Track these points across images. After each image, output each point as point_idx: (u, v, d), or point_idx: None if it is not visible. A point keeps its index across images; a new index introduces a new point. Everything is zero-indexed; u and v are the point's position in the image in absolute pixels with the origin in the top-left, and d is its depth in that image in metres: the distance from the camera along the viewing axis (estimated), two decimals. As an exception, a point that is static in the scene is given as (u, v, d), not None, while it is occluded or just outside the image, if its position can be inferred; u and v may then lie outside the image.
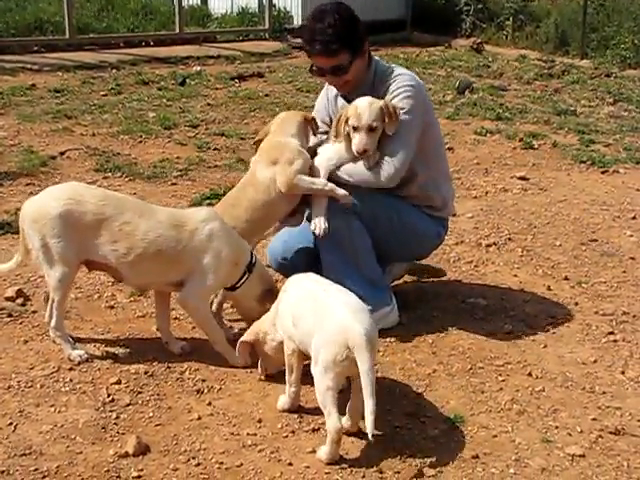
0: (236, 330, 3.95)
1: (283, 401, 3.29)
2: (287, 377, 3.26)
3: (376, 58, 4.10)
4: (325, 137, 4.07)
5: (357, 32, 3.93)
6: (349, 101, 3.97)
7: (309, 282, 3.34)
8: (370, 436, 2.80)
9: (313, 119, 4.03)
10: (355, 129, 3.77)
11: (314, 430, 3.18)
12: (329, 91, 4.22)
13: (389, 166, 3.81)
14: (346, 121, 3.79)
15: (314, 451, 3.03)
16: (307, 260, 4.08)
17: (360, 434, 3.12)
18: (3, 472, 2.88)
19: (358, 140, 3.76)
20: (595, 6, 13.55)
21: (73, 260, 3.57)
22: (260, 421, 3.23)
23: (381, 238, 3.96)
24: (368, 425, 2.80)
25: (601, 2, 13.72)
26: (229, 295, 3.88)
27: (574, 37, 13.24)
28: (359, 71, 3.96)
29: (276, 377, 3.50)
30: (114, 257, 3.54)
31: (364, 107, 3.76)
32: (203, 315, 3.69)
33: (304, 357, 3.20)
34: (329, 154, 3.90)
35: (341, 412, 2.99)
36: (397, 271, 4.47)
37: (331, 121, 4.15)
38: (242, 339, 3.50)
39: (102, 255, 3.55)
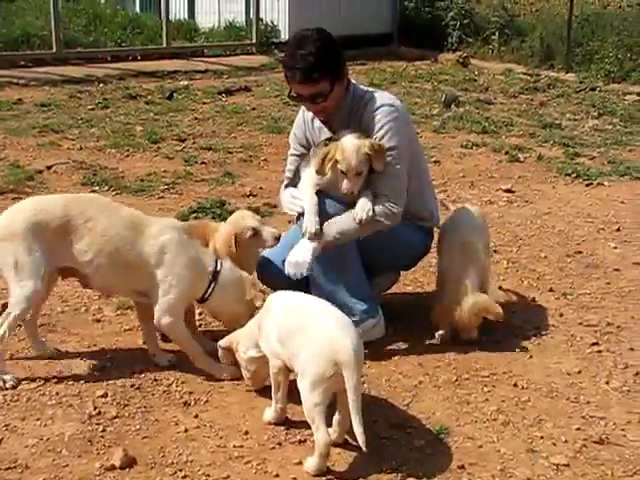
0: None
1: (270, 414, 3.30)
2: (273, 394, 3.25)
3: (353, 81, 4.09)
4: (302, 162, 4.11)
5: (338, 59, 3.91)
6: (326, 124, 4.02)
7: (293, 299, 3.33)
8: (364, 448, 2.82)
9: (254, 230, 3.96)
10: (343, 172, 3.81)
11: (300, 442, 3.18)
12: (305, 112, 4.21)
13: (390, 208, 3.86)
14: (333, 160, 3.80)
15: (301, 463, 3.03)
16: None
17: (347, 445, 3.14)
18: (-11, 486, 2.88)
19: (346, 185, 3.82)
20: (580, 21, 13.68)
21: (45, 272, 3.55)
22: (247, 433, 3.24)
23: (368, 248, 3.97)
24: (360, 439, 2.82)
25: (585, 17, 13.85)
26: (204, 307, 3.87)
27: (559, 51, 13.36)
28: (338, 97, 3.95)
29: (262, 389, 3.51)
30: (79, 256, 3.55)
31: (352, 153, 3.77)
32: (177, 332, 3.68)
33: (289, 372, 3.20)
34: (312, 179, 3.94)
35: (327, 423, 2.99)
36: (384, 284, 4.49)
37: (307, 143, 4.16)
38: (219, 343, 3.51)
39: (71, 257, 3.56)
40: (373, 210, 3.84)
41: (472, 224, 4.31)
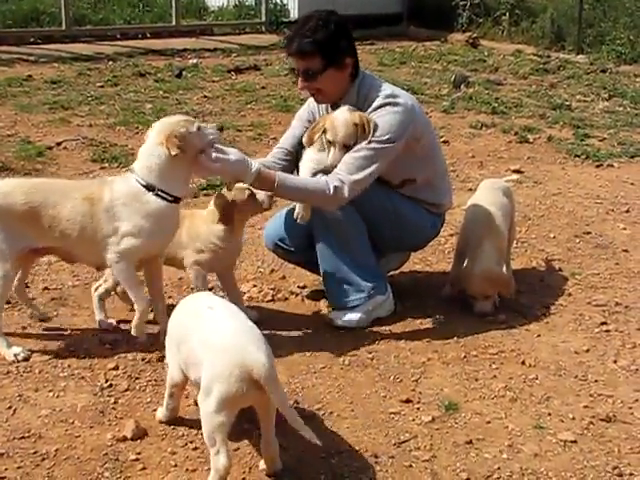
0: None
1: (162, 414, 3.16)
2: (167, 397, 3.11)
3: (365, 73, 4.05)
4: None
5: (337, 42, 3.87)
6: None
7: (194, 299, 3.11)
8: (317, 442, 2.72)
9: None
10: (331, 143, 3.80)
11: (309, 416, 3.21)
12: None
13: (346, 188, 3.73)
14: (323, 131, 3.80)
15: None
16: (304, 242, 4.11)
17: (355, 419, 3.17)
18: (3, 454, 2.92)
19: (332, 156, 3.79)
20: (591, 2, 13.55)
21: (11, 254, 3.53)
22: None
23: (376, 227, 4.00)
24: (308, 436, 2.71)
25: (597, -2, 13.74)
26: None
27: (570, 32, 13.26)
28: (333, 82, 3.91)
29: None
30: (55, 241, 3.54)
31: (341, 124, 3.76)
32: (125, 276, 3.57)
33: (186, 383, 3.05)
34: (311, 159, 3.93)
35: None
36: (394, 263, 4.51)
37: (309, 125, 4.13)
38: None
39: (45, 241, 3.55)
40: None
41: (498, 198, 4.46)
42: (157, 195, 3.47)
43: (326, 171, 3.82)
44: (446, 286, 4.34)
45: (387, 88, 3.97)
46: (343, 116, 3.79)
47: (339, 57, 3.89)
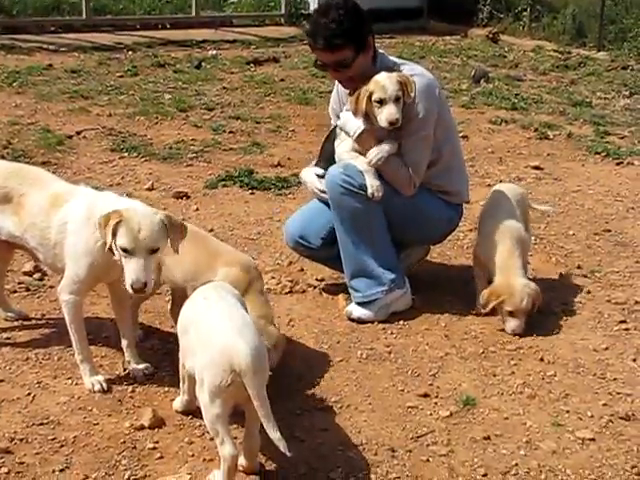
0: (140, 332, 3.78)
1: (178, 404, 3.17)
2: (181, 385, 3.11)
3: (381, 52, 4.09)
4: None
5: (361, 28, 3.90)
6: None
7: (201, 292, 3.02)
8: (288, 453, 2.60)
9: None
10: (381, 102, 3.78)
11: (326, 409, 3.23)
12: (340, 86, 4.21)
13: (416, 178, 3.95)
14: (368, 97, 3.79)
15: (327, 429, 3.07)
16: (325, 239, 4.12)
17: (373, 412, 3.16)
18: (22, 440, 2.94)
19: (387, 111, 3.78)
20: (613, -2, 13.48)
21: None
22: (273, 400, 3.24)
23: (394, 220, 4.00)
24: (280, 445, 2.59)
25: (619, -6, 13.64)
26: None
27: (591, 29, 13.16)
28: (363, 67, 3.94)
29: (288, 357, 3.55)
30: (13, 231, 3.41)
31: (386, 79, 3.80)
32: (71, 313, 3.32)
33: None
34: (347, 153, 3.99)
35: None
36: (412, 258, 4.50)
37: None
38: None
39: (6, 231, 3.44)
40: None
41: (516, 208, 4.25)
42: None
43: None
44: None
45: (406, 63, 4.08)
46: (385, 75, 3.83)
47: (365, 41, 3.92)
